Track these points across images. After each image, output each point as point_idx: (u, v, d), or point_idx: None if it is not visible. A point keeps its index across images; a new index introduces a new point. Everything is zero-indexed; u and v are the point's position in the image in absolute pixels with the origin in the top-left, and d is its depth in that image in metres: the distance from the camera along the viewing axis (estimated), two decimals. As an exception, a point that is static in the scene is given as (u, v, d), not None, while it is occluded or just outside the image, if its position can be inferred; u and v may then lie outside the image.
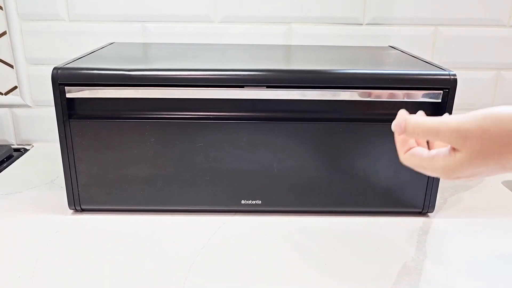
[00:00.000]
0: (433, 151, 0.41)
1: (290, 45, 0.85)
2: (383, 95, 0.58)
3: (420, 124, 0.41)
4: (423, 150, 0.43)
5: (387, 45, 0.85)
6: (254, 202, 0.63)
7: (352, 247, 0.57)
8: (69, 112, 0.58)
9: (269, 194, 0.63)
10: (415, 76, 0.58)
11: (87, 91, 0.57)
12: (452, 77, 0.57)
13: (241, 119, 0.59)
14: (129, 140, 0.60)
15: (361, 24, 0.85)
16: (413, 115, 0.42)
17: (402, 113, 0.43)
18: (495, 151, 0.36)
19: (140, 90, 0.58)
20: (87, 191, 0.62)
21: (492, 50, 0.87)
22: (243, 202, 0.63)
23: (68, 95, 0.57)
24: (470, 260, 0.55)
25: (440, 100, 0.58)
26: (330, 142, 0.60)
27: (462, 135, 0.37)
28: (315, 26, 0.85)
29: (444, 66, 0.61)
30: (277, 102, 0.59)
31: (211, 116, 0.59)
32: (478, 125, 0.37)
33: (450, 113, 0.58)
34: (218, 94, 0.58)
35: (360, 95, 0.58)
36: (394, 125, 0.43)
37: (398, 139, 0.44)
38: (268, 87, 0.58)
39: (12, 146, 0.88)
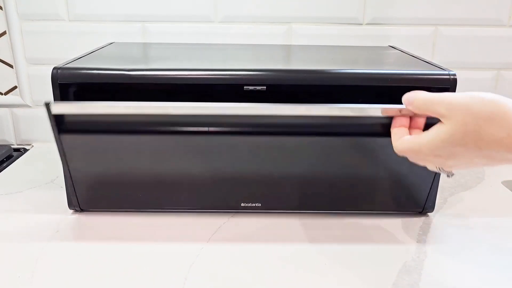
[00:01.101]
0: (422, 134, 0.45)
1: (290, 45, 0.85)
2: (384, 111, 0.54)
3: (426, 100, 0.45)
4: (412, 135, 0.48)
5: (387, 45, 0.85)
6: (253, 204, 0.63)
7: (352, 247, 0.57)
8: (58, 127, 0.54)
9: (269, 197, 0.62)
10: (415, 76, 0.58)
11: (74, 107, 0.53)
12: (452, 77, 0.57)
13: (241, 134, 0.58)
14: (124, 152, 0.59)
15: (361, 24, 0.85)
16: (420, 91, 0.46)
17: (412, 92, 0.47)
18: (475, 128, 0.39)
19: (131, 105, 0.52)
20: (87, 191, 0.62)
21: (492, 50, 0.87)
22: (242, 205, 0.63)
23: (54, 111, 0.52)
24: (470, 260, 0.55)
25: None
26: (331, 152, 0.60)
27: (450, 107, 0.41)
28: (315, 26, 0.85)
29: (444, 66, 0.61)
30: (278, 117, 0.56)
31: (209, 132, 0.58)
32: (465, 101, 0.41)
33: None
34: (216, 110, 0.54)
35: (359, 111, 0.53)
36: (405, 98, 0.47)
37: (393, 132, 0.49)
38: (268, 87, 0.57)
39: (12, 146, 0.88)
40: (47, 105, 0.51)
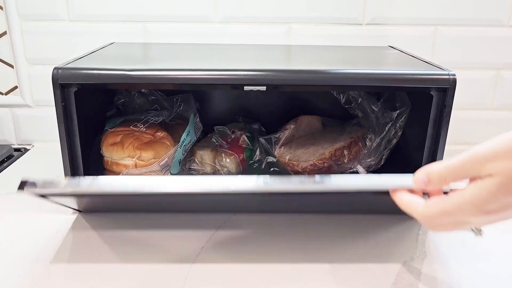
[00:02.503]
0: (456, 191, 0.39)
1: (290, 45, 0.85)
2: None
3: (445, 167, 0.39)
4: (441, 195, 0.40)
5: (387, 45, 0.85)
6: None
7: (352, 246, 0.57)
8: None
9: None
10: (415, 76, 0.58)
11: (51, 189, 0.45)
12: (451, 77, 0.57)
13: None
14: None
15: (361, 24, 0.85)
16: (429, 165, 0.40)
17: (419, 171, 0.41)
18: None
19: (115, 188, 0.46)
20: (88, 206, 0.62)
21: (492, 50, 0.87)
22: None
23: (28, 193, 0.45)
24: (470, 260, 0.55)
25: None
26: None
27: (491, 157, 0.36)
28: (315, 26, 0.85)
29: (443, 66, 0.61)
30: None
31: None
32: (505, 145, 0.36)
33: (450, 113, 0.58)
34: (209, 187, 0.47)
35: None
36: (416, 182, 0.41)
37: (404, 200, 0.42)
38: (268, 87, 0.57)
39: (13, 146, 0.88)
40: (22, 185, 0.45)
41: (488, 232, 0.61)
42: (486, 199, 0.36)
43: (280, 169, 0.69)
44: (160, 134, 0.67)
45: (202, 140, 0.76)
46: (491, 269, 0.53)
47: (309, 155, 0.71)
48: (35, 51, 0.85)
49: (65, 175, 0.61)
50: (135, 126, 0.67)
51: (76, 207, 0.58)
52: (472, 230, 0.42)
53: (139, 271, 0.52)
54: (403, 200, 0.43)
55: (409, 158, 0.69)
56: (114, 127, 0.67)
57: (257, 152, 0.72)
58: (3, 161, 0.82)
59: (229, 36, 0.85)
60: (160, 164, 0.63)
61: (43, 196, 0.47)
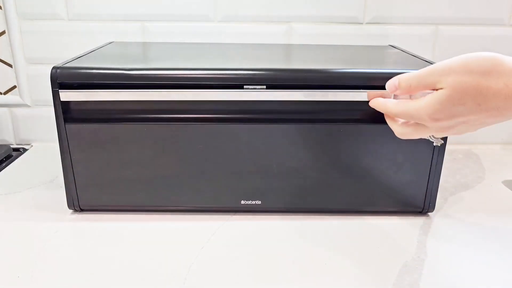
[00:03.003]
0: (419, 98, 0.45)
1: (290, 44, 0.84)
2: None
3: (412, 76, 0.45)
4: (407, 99, 0.48)
5: (387, 44, 0.85)
6: (253, 202, 0.63)
7: (352, 247, 0.57)
8: (64, 116, 0.58)
9: (269, 195, 0.62)
10: (416, 76, 0.58)
11: (82, 94, 0.56)
12: (452, 76, 0.57)
13: (241, 121, 0.59)
14: (127, 142, 0.59)
15: (361, 23, 0.85)
16: (399, 75, 0.47)
17: (393, 78, 0.48)
18: (473, 84, 0.40)
19: (137, 92, 0.57)
20: (87, 191, 0.62)
21: (493, 49, 0.87)
22: (242, 202, 0.63)
23: (62, 99, 0.56)
24: (470, 260, 0.55)
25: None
26: (330, 143, 0.60)
27: (446, 72, 0.42)
28: (315, 25, 0.85)
29: (444, 66, 0.60)
30: (277, 103, 0.58)
31: (210, 118, 0.59)
32: (459, 62, 0.41)
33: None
34: (217, 96, 0.57)
35: (360, 97, 0.57)
36: (388, 85, 0.48)
37: (378, 101, 0.51)
38: (268, 87, 0.57)
39: (11, 146, 0.88)
40: (55, 92, 0.54)
41: (489, 232, 0.61)
42: (436, 107, 0.42)
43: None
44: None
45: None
46: (491, 271, 0.53)
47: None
48: (34, 51, 0.85)
49: (64, 176, 0.60)
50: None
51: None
52: (432, 139, 0.51)
53: (139, 271, 0.52)
54: (378, 101, 0.52)
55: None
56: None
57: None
58: (1, 161, 0.82)
59: (228, 35, 0.85)
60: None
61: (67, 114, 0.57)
